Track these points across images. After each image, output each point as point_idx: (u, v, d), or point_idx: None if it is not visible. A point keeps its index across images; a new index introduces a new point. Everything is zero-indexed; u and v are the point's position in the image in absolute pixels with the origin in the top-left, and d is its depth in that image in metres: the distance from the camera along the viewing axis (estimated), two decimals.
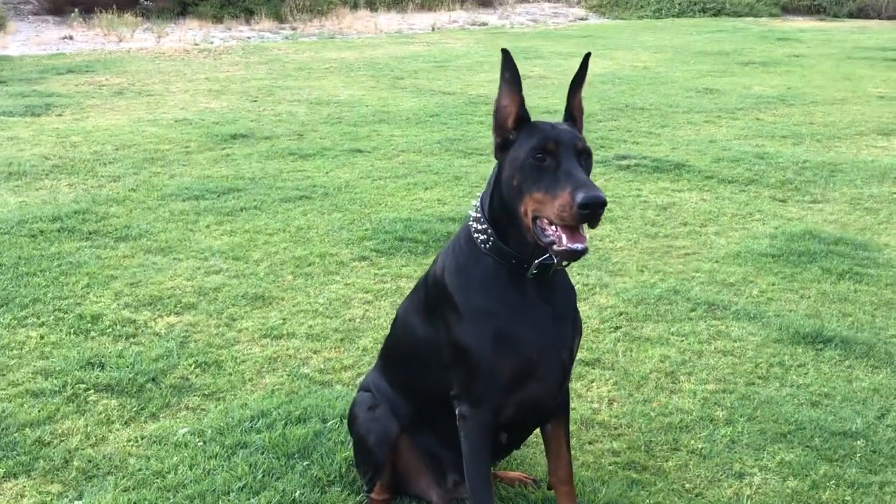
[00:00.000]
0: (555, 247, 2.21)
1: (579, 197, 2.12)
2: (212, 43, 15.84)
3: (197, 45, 15.48)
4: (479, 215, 2.44)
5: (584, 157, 2.29)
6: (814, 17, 22.22)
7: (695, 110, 9.80)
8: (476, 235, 2.43)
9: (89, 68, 12.39)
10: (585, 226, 2.21)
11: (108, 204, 6.03)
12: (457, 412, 2.50)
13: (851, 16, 22.22)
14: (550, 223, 2.22)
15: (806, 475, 3.04)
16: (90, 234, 5.39)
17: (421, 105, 10.01)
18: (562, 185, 2.18)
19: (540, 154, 2.25)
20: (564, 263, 2.41)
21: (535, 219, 2.25)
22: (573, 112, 2.46)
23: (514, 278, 2.41)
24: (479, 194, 2.53)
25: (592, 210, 2.12)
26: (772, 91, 11.17)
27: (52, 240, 5.26)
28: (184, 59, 13.62)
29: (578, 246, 2.18)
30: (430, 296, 2.58)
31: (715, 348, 4.02)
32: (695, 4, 22.16)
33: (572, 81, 2.45)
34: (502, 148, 2.38)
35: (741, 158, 7.54)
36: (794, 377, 3.76)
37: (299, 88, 11.05)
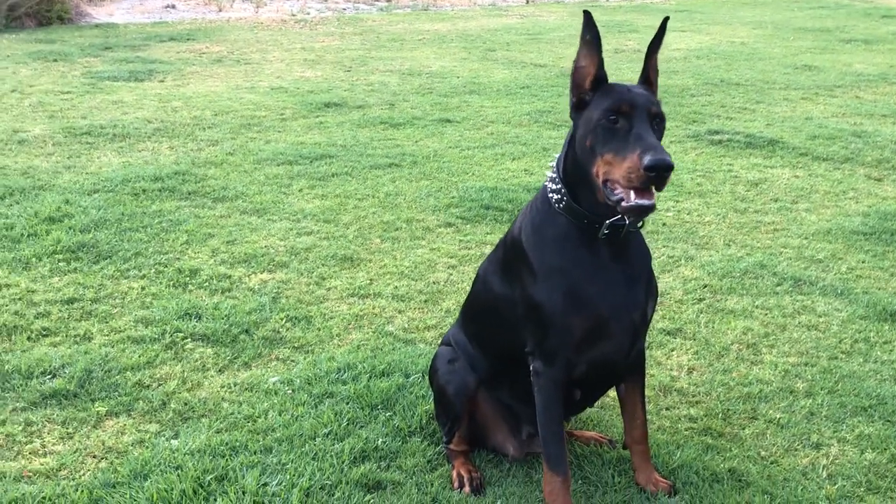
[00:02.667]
0: (623, 203, 2.25)
1: (646, 160, 2.16)
2: (308, 14, 16.07)
3: (294, 15, 15.73)
4: (554, 175, 2.50)
5: (656, 120, 2.32)
6: None
7: (792, 87, 9.60)
8: (551, 195, 2.49)
9: (190, 37, 12.72)
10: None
11: (207, 166, 6.24)
12: (531, 368, 2.58)
13: None
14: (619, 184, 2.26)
15: (885, 448, 3.04)
16: (189, 194, 5.60)
17: (512, 77, 10.03)
18: (631, 147, 2.22)
19: (613, 116, 2.29)
20: (639, 224, 2.46)
21: (605, 180, 2.29)
22: (649, 74, 2.49)
23: (586, 238, 2.46)
24: (556, 155, 2.58)
25: (658, 173, 2.16)
26: (873, 69, 10.86)
27: (154, 198, 5.48)
28: (281, 30, 13.87)
29: (646, 202, 2.21)
30: (507, 254, 2.65)
31: (799, 322, 4.00)
32: None
33: (650, 44, 2.48)
34: (578, 108, 2.43)
35: (837, 136, 7.39)
36: (879, 353, 3.72)
37: (392, 59, 11.17)
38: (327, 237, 4.93)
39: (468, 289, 4.23)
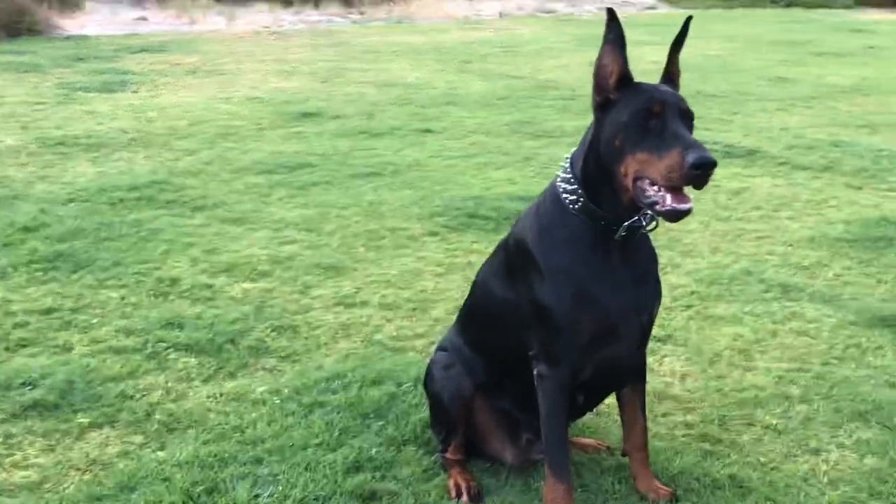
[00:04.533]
0: (657, 207, 2.19)
1: (691, 157, 2.10)
2: (281, 26, 16.02)
3: (267, 27, 15.66)
4: (568, 175, 2.44)
5: (687, 118, 2.27)
6: (890, 9, 21.67)
7: (767, 98, 9.66)
8: (564, 196, 2.44)
9: (163, 48, 12.61)
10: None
11: (185, 176, 6.15)
12: (535, 372, 2.52)
13: None
14: (653, 184, 2.21)
15: (885, 453, 3.00)
16: (168, 203, 5.51)
17: (489, 88, 10.02)
18: (669, 144, 2.17)
19: (645, 115, 2.24)
20: (652, 227, 2.41)
21: (636, 179, 2.24)
22: (672, 73, 2.45)
23: (599, 239, 2.41)
24: (567, 155, 2.53)
25: (704, 171, 2.11)
26: (846, 81, 10.95)
27: (131, 208, 5.38)
28: (254, 41, 13.80)
29: (684, 206, 2.16)
30: (510, 257, 2.59)
31: (790, 328, 3.98)
32: None
33: (672, 44, 2.43)
34: (602, 107, 2.37)
35: (815, 146, 7.42)
36: (871, 359, 3.70)
37: (367, 70, 11.13)
38: (310, 246, 4.85)
39: (458, 297, 4.21)
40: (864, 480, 2.86)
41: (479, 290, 2.76)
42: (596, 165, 2.37)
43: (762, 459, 2.97)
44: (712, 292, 4.35)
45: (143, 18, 16.46)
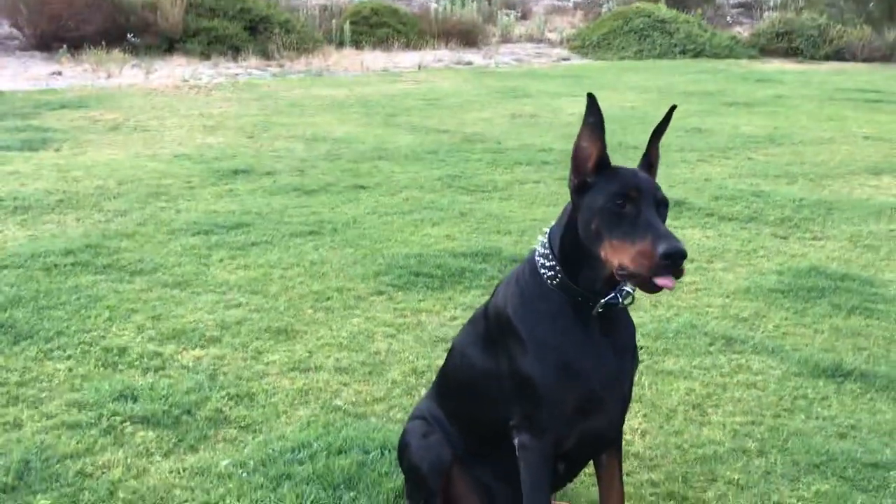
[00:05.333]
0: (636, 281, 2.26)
1: (661, 248, 2.17)
2: (200, 79, 15.88)
3: (186, 81, 15.52)
4: (546, 251, 2.49)
5: (661, 207, 2.34)
6: (791, 59, 22.58)
7: (687, 149, 9.95)
8: (543, 272, 2.48)
9: (82, 104, 12.39)
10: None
11: (119, 238, 6.03)
12: (516, 442, 2.54)
13: (828, 58, 22.59)
14: (626, 271, 2.26)
15: None
16: (104, 267, 5.39)
17: (417, 142, 10.09)
18: (641, 233, 2.23)
19: (620, 200, 2.30)
20: (628, 301, 2.47)
21: (620, 266, 2.28)
22: (651, 159, 2.52)
23: (578, 313, 2.46)
24: (545, 230, 2.58)
25: (674, 261, 2.18)
26: (760, 131, 11.36)
27: (68, 273, 5.26)
28: (175, 95, 13.66)
29: (669, 284, 2.22)
30: (490, 328, 2.62)
31: (738, 381, 4.09)
32: (675, 46, 22.47)
33: (654, 131, 2.51)
34: (579, 190, 2.42)
35: (738, 196, 7.67)
36: (819, 409, 3.83)
37: (294, 125, 11.11)
38: (257, 309, 4.80)
39: (411, 359, 4.22)
40: None
41: (457, 359, 2.78)
42: (573, 245, 2.43)
43: None
44: (660, 347, 4.45)
45: (58, 73, 16.15)
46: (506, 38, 24.23)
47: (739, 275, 5.64)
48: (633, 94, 15.08)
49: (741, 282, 5.48)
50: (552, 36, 24.70)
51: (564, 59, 22.13)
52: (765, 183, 8.32)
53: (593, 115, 2.39)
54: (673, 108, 2.53)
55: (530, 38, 24.60)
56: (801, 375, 4.16)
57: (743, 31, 25.00)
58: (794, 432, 3.61)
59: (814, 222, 6.95)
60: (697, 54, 22.45)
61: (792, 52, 23.01)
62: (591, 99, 2.39)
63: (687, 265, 5.63)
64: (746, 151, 9.98)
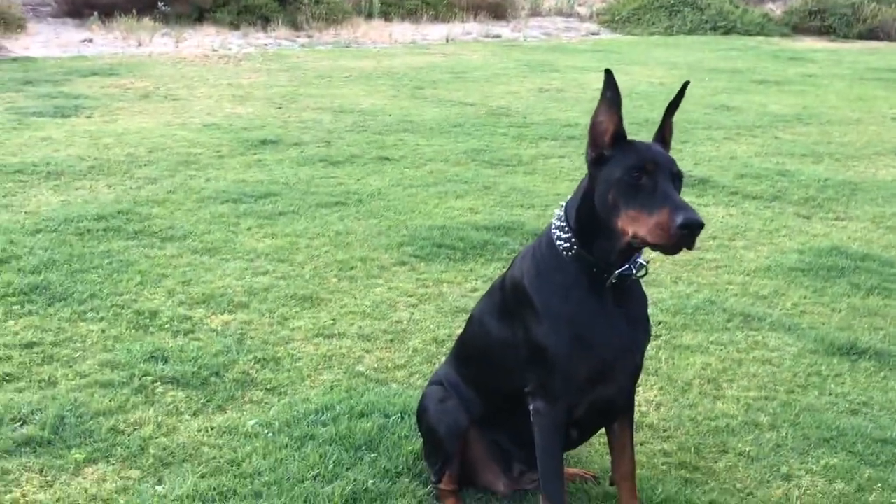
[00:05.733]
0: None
1: (679, 218, 2.24)
2: (230, 49, 15.99)
3: (216, 50, 15.63)
4: (563, 224, 2.57)
5: (677, 180, 2.41)
6: (824, 37, 22.38)
7: (714, 127, 9.95)
8: (559, 243, 2.56)
9: (113, 71, 12.54)
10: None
11: (150, 205, 6.16)
12: (531, 408, 2.64)
13: (861, 37, 22.37)
14: (643, 241, 2.35)
15: (851, 479, 3.18)
16: (136, 233, 5.52)
17: (443, 115, 10.15)
18: (658, 204, 2.30)
19: (637, 173, 2.37)
20: (642, 273, 2.55)
21: (635, 236, 2.37)
22: (665, 134, 2.59)
23: (592, 284, 2.54)
24: (562, 203, 2.65)
25: (691, 231, 2.25)
26: (788, 110, 11.33)
27: (100, 238, 5.39)
28: (205, 65, 13.77)
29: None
30: (507, 299, 2.71)
31: (754, 357, 4.15)
32: (706, 22, 22.33)
33: (669, 105, 2.57)
34: (596, 163, 2.50)
35: (763, 175, 7.69)
36: (832, 386, 3.89)
37: (322, 96, 11.20)
38: (284, 277, 4.92)
39: (432, 328, 4.32)
40: None
41: (475, 327, 2.87)
42: (591, 217, 2.50)
43: (738, 486, 3.13)
44: (678, 322, 4.52)
45: (89, 40, 16.31)
46: (535, 12, 24.14)
47: (761, 253, 5.68)
48: (661, 69, 15.03)
49: (762, 260, 5.53)
50: (582, 10, 24.58)
51: (593, 34, 22.03)
52: (790, 162, 8.33)
53: (610, 90, 2.47)
54: (686, 83, 2.59)
55: (560, 12, 24.50)
56: (817, 353, 4.22)
57: (775, 9, 24.75)
58: (806, 408, 3.68)
59: (837, 202, 6.97)
60: (728, 31, 22.29)
61: (824, 31, 22.80)
62: (609, 74, 2.46)
63: (709, 243, 5.76)
64: (773, 130, 9.97)
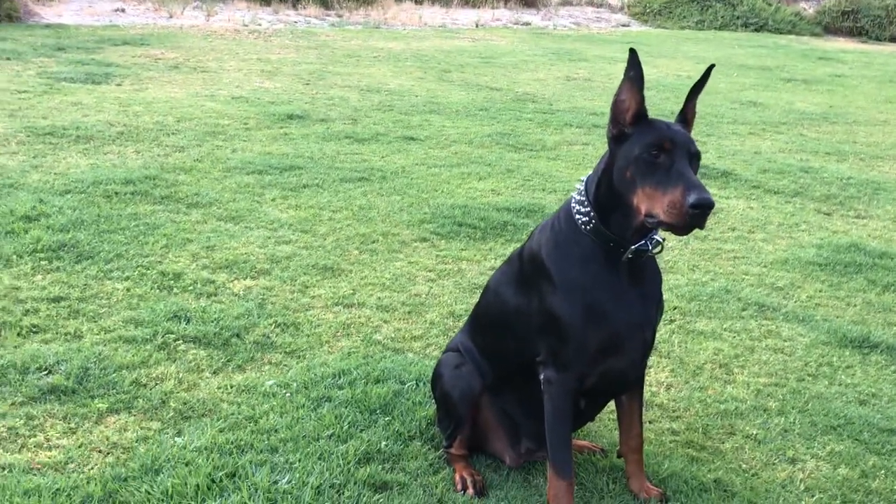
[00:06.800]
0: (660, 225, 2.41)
1: (691, 198, 2.29)
2: (260, 25, 16.08)
3: (246, 25, 15.72)
4: (582, 198, 2.63)
5: (694, 160, 2.46)
6: (855, 38, 22.24)
7: (739, 121, 9.95)
8: (577, 217, 2.62)
9: (144, 41, 12.65)
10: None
11: (176, 172, 6.25)
12: (542, 377, 2.70)
13: (893, 40, 22.22)
14: (657, 219, 2.40)
15: (856, 465, 3.23)
16: (162, 198, 5.62)
17: (469, 98, 10.20)
18: (673, 182, 2.36)
19: (655, 151, 2.42)
20: (657, 250, 2.61)
21: (647, 213, 2.43)
22: (687, 115, 2.63)
23: (608, 259, 2.60)
24: (583, 178, 2.71)
25: (703, 211, 2.30)
26: (815, 108, 11.30)
27: (127, 201, 5.49)
28: (235, 39, 13.86)
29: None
30: (524, 269, 2.77)
31: (766, 346, 4.20)
32: (737, 18, 22.24)
33: (692, 87, 2.62)
34: (617, 140, 2.55)
35: (786, 171, 7.70)
36: (843, 377, 3.94)
37: (349, 75, 11.27)
38: (306, 247, 4.99)
39: (449, 302, 4.38)
40: (837, 489, 3.08)
41: (491, 296, 2.93)
42: (609, 192, 2.56)
43: (744, 466, 3.18)
44: (693, 308, 4.56)
45: (121, 10, 16.43)
46: (566, 1, 24.08)
47: (779, 246, 5.71)
48: (690, 63, 15.00)
49: (780, 253, 5.56)
50: (613, 1, 24.50)
51: (623, 25, 21.98)
52: (814, 159, 8.33)
53: (634, 69, 2.52)
54: (711, 66, 2.64)
55: (590, 2, 24.43)
56: (829, 344, 4.26)
57: (808, 8, 24.59)
58: (815, 396, 3.73)
59: (859, 201, 6.98)
60: (759, 28, 22.19)
61: (856, 32, 22.66)
62: (633, 54, 2.52)
63: (728, 234, 5.80)
64: (799, 127, 9.96)
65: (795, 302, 4.76)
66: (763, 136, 9.29)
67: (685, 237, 5.64)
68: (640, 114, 2.54)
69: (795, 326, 4.44)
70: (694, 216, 2.31)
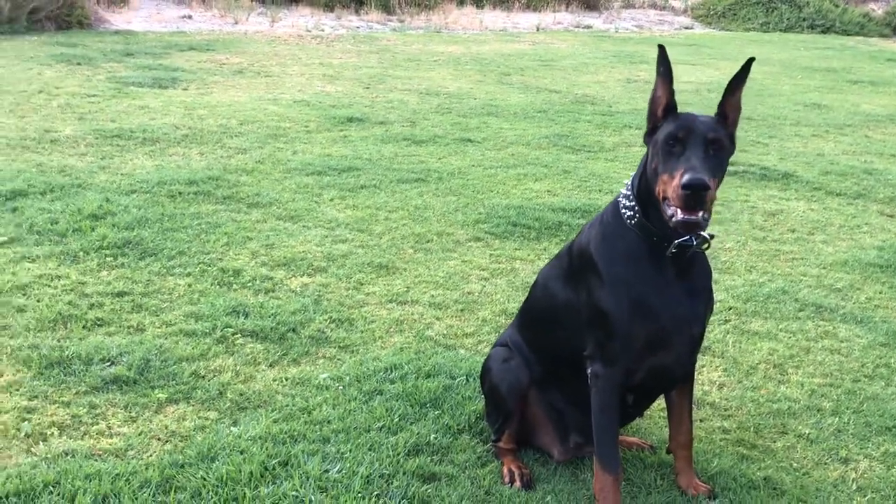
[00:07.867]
0: (674, 218, 2.43)
1: (684, 178, 2.36)
2: (323, 30, 16.29)
3: (309, 31, 15.95)
4: (629, 193, 2.67)
5: (713, 146, 2.49)
6: None
7: (802, 123, 9.81)
8: (623, 211, 2.66)
9: (210, 47, 12.91)
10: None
11: (238, 173, 6.39)
12: (589, 371, 2.73)
13: None
14: (670, 204, 2.45)
15: None
16: (224, 198, 5.75)
17: (528, 101, 10.22)
18: (680, 167, 2.42)
19: (671, 140, 2.49)
20: (704, 246, 2.62)
21: (664, 199, 2.48)
22: (725, 108, 2.64)
23: (653, 253, 2.62)
24: (632, 174, 2.75)
25: (693, 191, 2.34)
26: (881, 110, 11.09)
27: (190, 201, 5.63)
28: (298, 44, 14.07)
29: (691, 217, 2.39)
30: (573, 263, 2.80)
31: (822, 346, 4.16)
32: (804, 20, 21.87)
33: (730, 81, 2.64)
34: (651, 133, 2.62)
35: (849, 173, 7.58)
36: None
37: (409, 78, 11.37)
38: (362, 245, 5.08)
39: (502, 300, 4.42)
40: (890, 489, 3.05)
41: (539, 291, 2.97)
42: (645, 186, 2.61)
43: (795, 465, 3.16)
44: (749, 308, 4.53)
45: (188, 17, 16.79)
46: (628, 4, 23.96)
47: (839, 248, 5.64)
48: (754, 66, 14.78)
49: (840, 254, 5.49)
50: (676, 3, 24.30)
51: (687, 28, 21.77)
52: (879, 161, 8.19)
53: (663, 65, 2.59)
54: (751, 60, 2.66)
55: (653, 5, 24.26)
56: (887, 346, 4.20)
57: (877, 9, 24.09)
58: (870, 396, 3.68)
59: None
60: (826, 30, 21.79)
61: None
62: (662, 50, 2.57)
63: (787, 235, 5.74)
64: (864, 129, 9.78)
65: (854, 303, 4.70)
66: (826, 139, 9.15)
67: (743, 239, 5.60)
68: (670, 107, 2.60)
69: (853, 328, 4.38)
70: (686, 197, 2.35)
